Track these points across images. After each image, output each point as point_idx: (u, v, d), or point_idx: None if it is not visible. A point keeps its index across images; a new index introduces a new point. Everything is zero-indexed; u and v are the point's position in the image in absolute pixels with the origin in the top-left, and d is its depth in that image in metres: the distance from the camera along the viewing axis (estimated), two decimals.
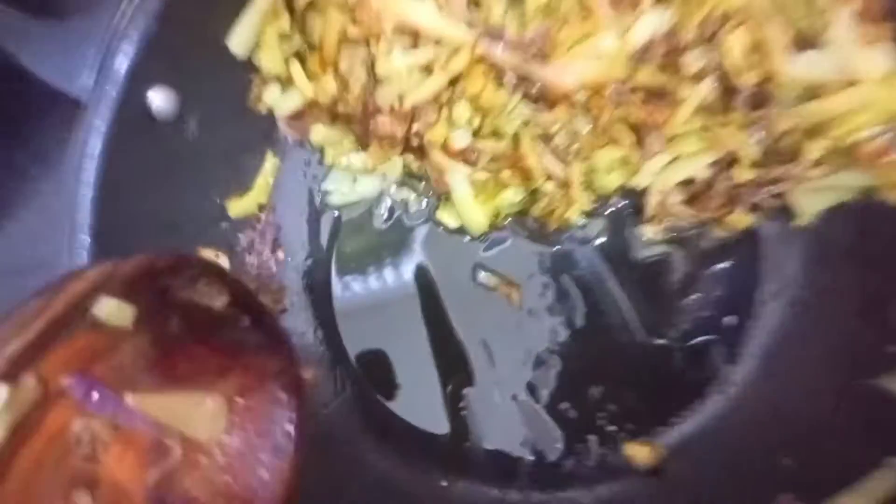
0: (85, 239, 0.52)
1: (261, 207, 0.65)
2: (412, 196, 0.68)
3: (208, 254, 0.61)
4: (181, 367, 0.43)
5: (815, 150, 0.54)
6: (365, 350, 0.66)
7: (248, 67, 0.61)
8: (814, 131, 0.55)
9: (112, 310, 0.39)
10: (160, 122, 0.55)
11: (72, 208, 0.52)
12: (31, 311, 0.36)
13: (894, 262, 0.57)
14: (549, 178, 0.62)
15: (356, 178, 0.68)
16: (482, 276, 0.67)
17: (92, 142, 0.52)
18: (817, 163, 0.56)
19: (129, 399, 0.40)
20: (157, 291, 0.41)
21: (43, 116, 0.69)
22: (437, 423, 0.65)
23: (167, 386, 0.42)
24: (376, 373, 0.66)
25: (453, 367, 0.66)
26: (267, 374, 0.45)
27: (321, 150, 0.67)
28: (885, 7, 0.53)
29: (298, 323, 0.66)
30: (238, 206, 0.63)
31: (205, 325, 0.43)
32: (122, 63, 0.51)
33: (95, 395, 0.39)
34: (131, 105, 0.53)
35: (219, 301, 0.43)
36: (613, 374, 0.65)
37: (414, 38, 0.59)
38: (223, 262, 0.61)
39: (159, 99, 0.55)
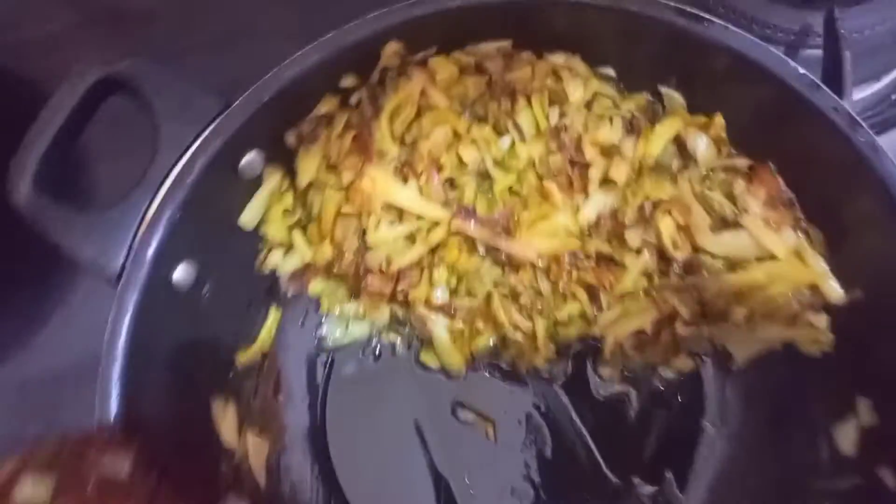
0: (112, 391, 0.60)
1: (264, 356, 0.73)
2: (398, 339, 0.77)
3: (219, 402, 0.68)
4: None
5: (740, 312, 0.64)
6: (359, 484, 0.73)
7: (256, 237, 0.70)
8: (738, 297, 0.65)
9: (31, 489, 0.44)
10: (181, 292, 0.64)
11: (104, 373, 0.60)
12: None
13: (812, 405, 0.66)
14: (517, 329, 0.71)
15: (349, 324, 0.76)
16: (461, 412, 0.75)
17: (124, 317, 0.60)
18: (745, 321, 0.66)
19: None
20: (72, 464, 0.47)
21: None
22: None
23: None
24: None
25: (442, 497, 0.73)
26: None
27: (318, 301, 0.76)
28: (786, 197, 0.64)
29: (297, 460, 0.73)
30: (244, 357, 0.71)
31: (117, 487, 0.49)
32: (151, 248, 0.60)
33: None
34: (157, 282, 0.61)
35: (123, 468, 0.48)
36: (580, 501, 0.72)
37: (399, 213, 0.69)
38: (231, 410, 0.68)
39: (181, 273, 0.64)
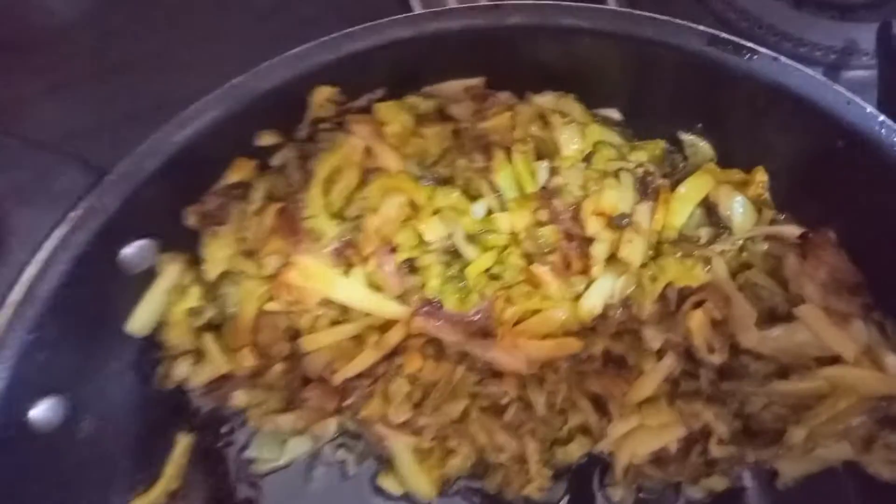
0: None
1: (172, 495, 0.56)
2: (350, 457, 0.60)
3: None
4: None
5: (797, 434, 0.49)
6: None
7: (150, 346, 0.53)
8: (794, 411, 0.49)
9: None
10: (42, 434, 0.47)
11: None
12: None
13: None
14: (502, 451, 0.55)
15: (285, 441, 0.60)
16: None
17: None
18: (805, 442, 0.50)
19: None
20: None
21: None
22: None
23: None
24: None
25: None
26: None
27: (242, 414, 0.59)
28: (853, 279, 0.48)
29: None
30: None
31: None
32: None
33: None
34: (7, 428, 0.44)
35: None
36: None
37: (343, 309, 0.52)
38: None
39: (41, 412, 0.47)
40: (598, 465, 0.59)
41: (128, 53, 0.74)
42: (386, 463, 0.59)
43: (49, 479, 0.48)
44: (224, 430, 0.59)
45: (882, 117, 0.44)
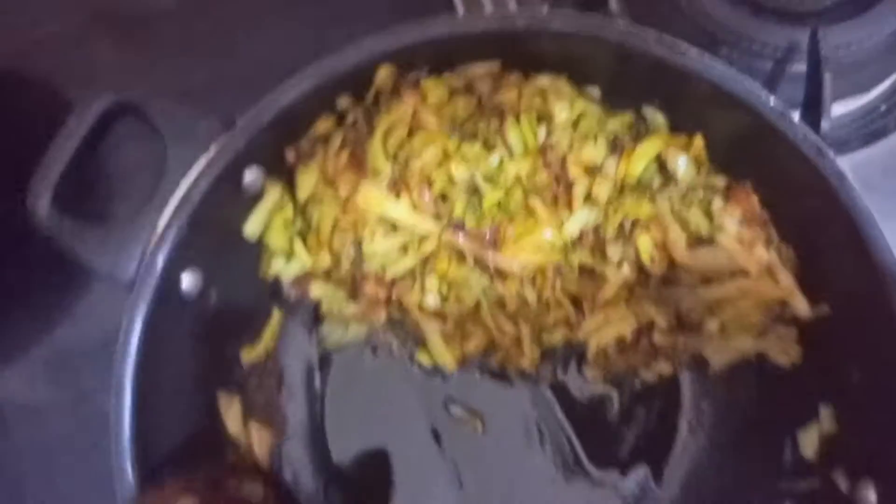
0: (126, 395, 0.66)
1: (268, 354, 0.78)
2: (395, 341, 0.81)
3: (225, 397, 0.74)
4: None
5: (713, 323, 0.68)
6: (355, 470, 0.79)
7: (258, 245, 0.75)
8: (712, 309, 0.68)
9: None
10: (188, 297, 0.69)
11: (119, 369, 0.65)
12: None
13: (781, 411, 0.70)
14: (504, 333, 0.75)
15: (348, 325, 0.81)
16: (452, 407, 0.80)
17: (136, 319, 0.65)
18: (718, 331, 0.69)
19: None
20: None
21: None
22: None
23: None
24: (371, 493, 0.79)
25: (429, 489, 0.78)
26: None
27: (318, 303, 0.81)
28: (761, 216, 0.67)
29: (297, 449, 0.79)
30: (250, 355, 0.76)
31: None
32: (160, 258, 0.65)
33: None
34: (166, 288, 0.66)
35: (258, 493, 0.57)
36: (564, 491, 0.77)
37: (393, 226, 0.73)
38: (235, 404, 0.74)
39: (188, 281, 0.68)
40: (575, 355, 0.79)
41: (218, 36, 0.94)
42: (421, 344, 0.80)
43: (191, 328, 0.69)
44: (305, 312, 0.82)
45: (774, 103, 0.60)
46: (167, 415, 0.68)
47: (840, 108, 0.82)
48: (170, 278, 0.66)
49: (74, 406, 0.83)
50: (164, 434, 0.68)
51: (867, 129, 0.82)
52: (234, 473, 0.57)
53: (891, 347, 0.59)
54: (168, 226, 0.66)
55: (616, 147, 0.70)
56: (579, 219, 0.70)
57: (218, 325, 0.73)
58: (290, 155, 0.71)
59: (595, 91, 0.71)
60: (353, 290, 0.77)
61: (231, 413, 0.75)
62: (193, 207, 0.66)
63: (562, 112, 0.70)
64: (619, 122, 0.71)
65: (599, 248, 0.71)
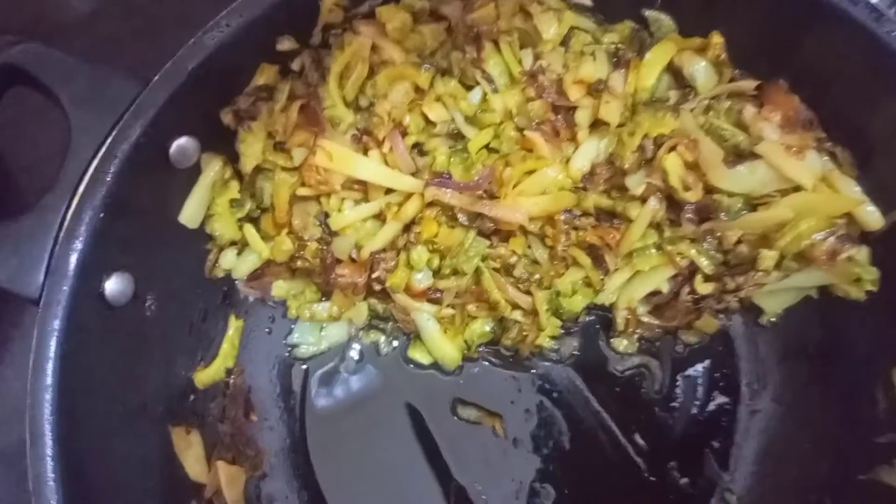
0: (46, 441, 0.50)
1: (228, 372, 0.64)
2: (381, 338, 0.67)
3: (179, 431, 0.59)
4: None
5: (768, 258, 0.55)
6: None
7: (201, 237, 0.61)
8: (764, 240, 0.56)
9: None
10: (117, 308, 0.55)
11: (33, 408, 0.50)
12: None
13: (861, 351, 0.57)
14: (515, 307, 0.62)
15: (323, 328, 0.67)
16: (462, 410, 0.65)
17: (48, 341, 0.50)
18: (774, 268, 0.57)
19: None
20: None
21: None
22: None
23: None
24: None
25: None
26: None
27: (284, 305, 0.66)
28: (805, 117, 0.55)
29: (280, 486, 0.63)
30: (205, 376, 0.62)
31: None
32: (72, 258, 0.51)
33: None
34: (86, 297, 0.52)
35: None
36: (611, 497, 0.63)
37: (364, 190, 0.60)
38: (195, 438, 0.59)
39: (114, 285, 0.54)
40: (601, 323, 0.66)
41: None
42: (414, 337, 0.67)
43: (122, 347, 0.55)
44: (269, 317, 0.67)
45: None
46: (106, 463, 0.53)
47: None
48: (88, 285, 0.52)
49: None
50: (105, 489, 0.53)
51: None
52: None
53: None
54: (78, 216, 0.52)
55: (619, 60, 0.59)
56: (588, 149, 0.58)
57: (158, 340, 0.59)
58: (226, 116, 0.58)
59: (585, 1, 0.60)
60: (324, 281, 0.63)
61: (190, 452, 0.60)
62: (108, 189, 0.52)
63: (549, 28, 0.59)
64: (617, 34, 0.60)
65: (618, 184, 0.58)
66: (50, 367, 0.50)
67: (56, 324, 0.50)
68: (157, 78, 0.53)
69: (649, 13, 0.59)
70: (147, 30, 0.76)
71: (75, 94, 0.53)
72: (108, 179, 0.52)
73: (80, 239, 0.51)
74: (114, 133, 0.53)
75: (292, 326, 0.67)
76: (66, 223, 0.52)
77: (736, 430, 0.63)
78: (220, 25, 0.54)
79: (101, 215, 0.51)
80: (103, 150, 0.53)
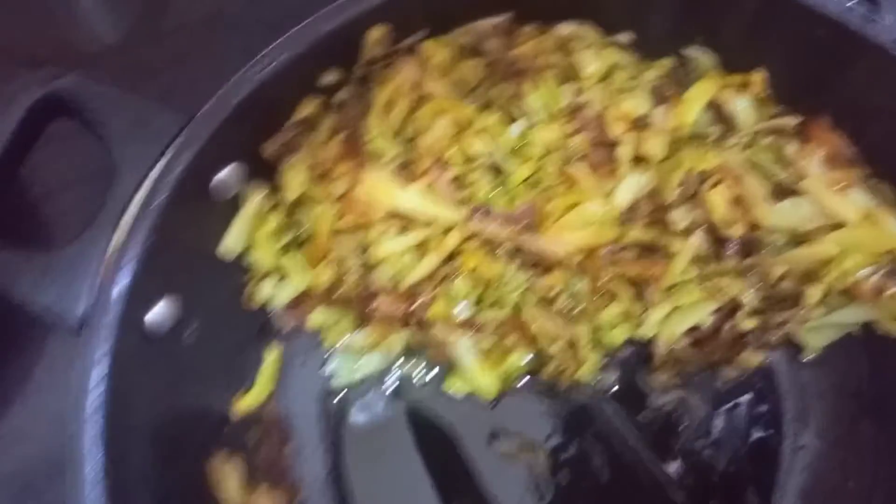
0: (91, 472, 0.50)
1: (264, 403, 0.63)
2: (418, 368, 0.67)
3: (218, 461, 0.59)
4: None
5: (814, 294, 0.55)
6: None
7: (238, 268, 0.61)
8: (810, 275, 0.56)
9: None
10: (156, 339, 0.55)
11: (74, 442, 0.50)
12: None
13: None
14: (554, 339, 0.61)
15: (358, 358, 0.67)
16: (500, 443, 0.65)
17: (89, 369, 0.50)
18: (818, 304, 0.57)
19: None
20: None
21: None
22: None
23: None
24: None
25: None
26: None
27: (320, 335, 0.66)
28: (848, 154, 0.55)
29: None
30: (242, 405, 0.62)
31: None
32: (115, 287, 0.51)
33: None
34: (128, 326, 0.52)
35: None
36: None
37: (405, 222, 0.60)
38: (233, 468, 0.59)
39: (155, 316, 0.54)
40: (640, 356, 0.66)
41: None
42: (451, 368, 0.66)
43: (161, 378, 0.55)
44: (304, 347, 0.67)
45: (851, 2, 0.51)
46: (143, 493, 0.53)
47: None
48: (131, 313, 0.52)
49: None
50: None
51: None
52: None
53: None
54: (122, 248, 0.52)
55: (660, 98, 0.59)
56: (630, 184, 0.58)
57: (195, 371, 0.59)
58: (269, 148, 0.58)
59: (624, 38, 0.61)
60: (361, 312, 0.63)
61: (229, 481, 0.60)
62: (153, 223, 0.52)
63: (590, 65, 0.59)
64: (657, 71, 0.60)
65: (658, 217, 0.58)
66: (93, 394, 0.50)
67: (100, 354, 0.50)
68: (201, 112, 0.54)
69: (688, 52, 0.60)
70: (176, 58, 0.78)
71: (119, 127, 0.54)
72: (154, 212, 0.52)
73: (125, 268, 0.51)
74: (159, 166, 0.54)
75: (327, 357, 0.67)
76: (108, 254, 0.52)
77: (779, 468, 0.62)
78: (265, 60, 0.55)
79: (146, 248, 0.52)
80: (149, 182, 0.53)
